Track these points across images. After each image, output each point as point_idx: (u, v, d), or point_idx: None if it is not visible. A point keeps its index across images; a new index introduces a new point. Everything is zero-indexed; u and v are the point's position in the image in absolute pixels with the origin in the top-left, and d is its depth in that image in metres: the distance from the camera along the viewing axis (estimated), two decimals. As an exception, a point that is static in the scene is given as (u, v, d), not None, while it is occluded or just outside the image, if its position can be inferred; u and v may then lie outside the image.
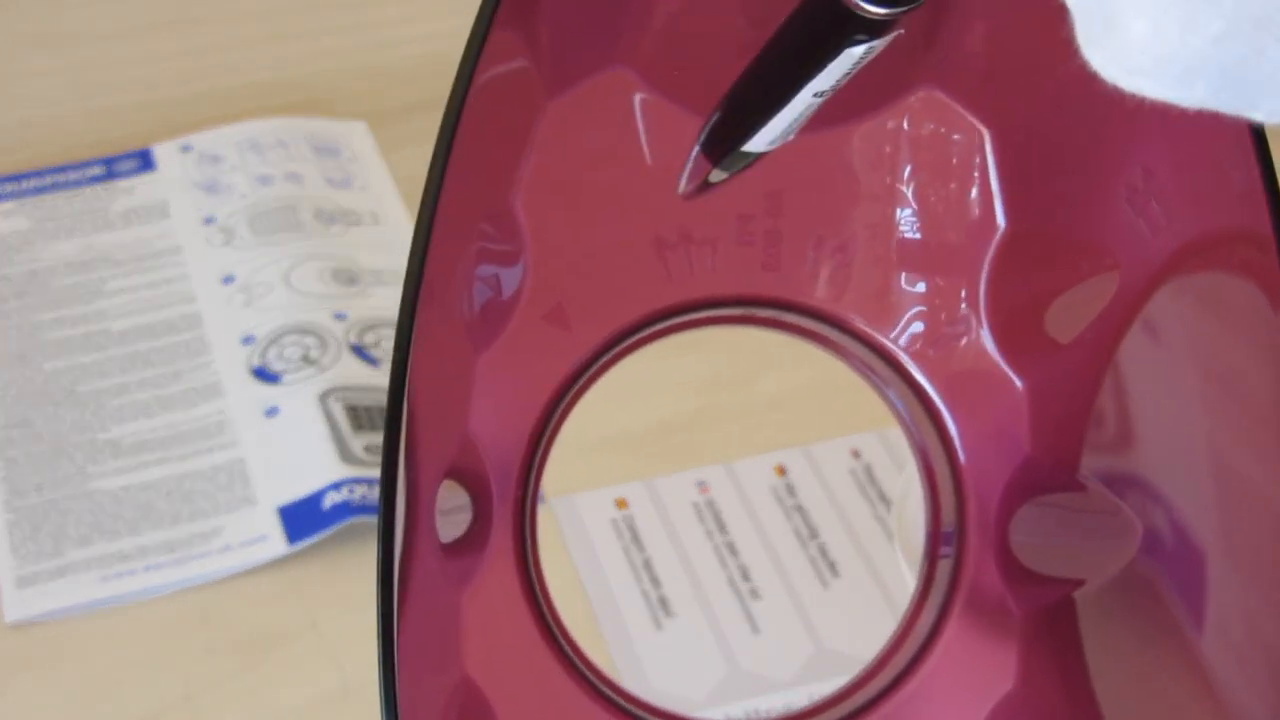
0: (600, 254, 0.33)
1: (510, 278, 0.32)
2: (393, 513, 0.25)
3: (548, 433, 0.33)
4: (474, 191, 0.29)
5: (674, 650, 0.46)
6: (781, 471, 0.51)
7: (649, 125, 0.33)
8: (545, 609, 0.33)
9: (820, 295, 0.35)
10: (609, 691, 0.33)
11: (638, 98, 0.32)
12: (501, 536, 0.32)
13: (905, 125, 0.34)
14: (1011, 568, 0.34)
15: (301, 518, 0.49)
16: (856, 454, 0.52)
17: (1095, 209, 0.32)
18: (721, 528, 0.50)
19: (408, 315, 0.25)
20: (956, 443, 0.35)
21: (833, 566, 0.48)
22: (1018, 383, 0.34)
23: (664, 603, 0.47)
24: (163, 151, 0.64)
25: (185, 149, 0.64)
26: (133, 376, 0.54)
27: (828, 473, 0.51)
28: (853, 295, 0.35)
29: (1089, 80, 0.30)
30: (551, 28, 0.30)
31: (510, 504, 0.33)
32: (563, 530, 0.49)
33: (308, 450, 0.51)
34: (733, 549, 0.49)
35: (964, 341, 0.35)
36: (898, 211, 0.35)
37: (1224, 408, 0.29)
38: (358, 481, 0.49)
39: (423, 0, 0.73)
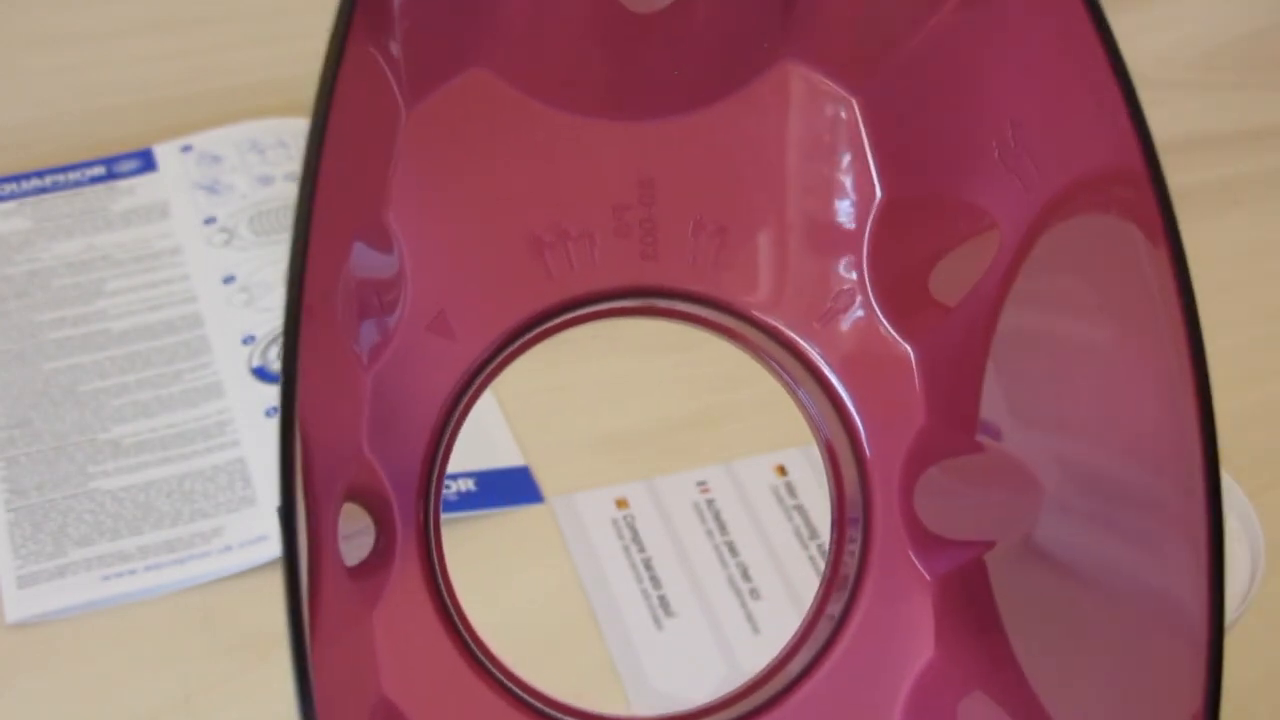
0: (477, 259, 0.33)
1: (390, 290, 0.32)
2: (294, 541, 0.25)
3: (444, 443, 0.33)
4: (346, 207, 0.28)
5: (674, 650, 0.46)
6: (782, 471, 0.51)
7: (511, 123, 0.32)
8: (459, 622, 0.32)
9: (703, 280, 0.34)
10: (531, 699, 0.33)
11: (496, 96, 0.32)
12: (407, 553, 0.32)
13: (771, 101, 0.34)
14: (919, 535, 0.34)
15: (302, 518, 0.49)
16: (857, 454, 0.52)
17: (968, 169, 0.32)
18: (722, 527, 0.50)
19: (291, 339, 0.25)
20: (856, 420, 0.34)
21: (833, 566, 0.48)
22: (909, 350, 0.34)
23: (664, 602, 0.47)
24: (163, 152, 0.64)
25: (186, 149, 0.64)
26: (133, 376, 0.54)
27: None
28: (736, 277, 0.34)
29: (950, 39, 0.31)
30: (404, 37, 0.29)
31: (414, 519, 0.32)
32: (563, 530, 0.49)
33: (308, 450, 0.51)
34: (733, 549, 0.49)
35: (853, 314, 0.34)
36: (773, 188, 0.34)
37: (1110, 350, 0.29)
38: (358, 481, 0.49)
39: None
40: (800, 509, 0.50)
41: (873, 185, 0.34)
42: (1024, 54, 0.30)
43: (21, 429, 0.52)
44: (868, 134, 0.34)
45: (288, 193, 0.61)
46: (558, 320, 0.34)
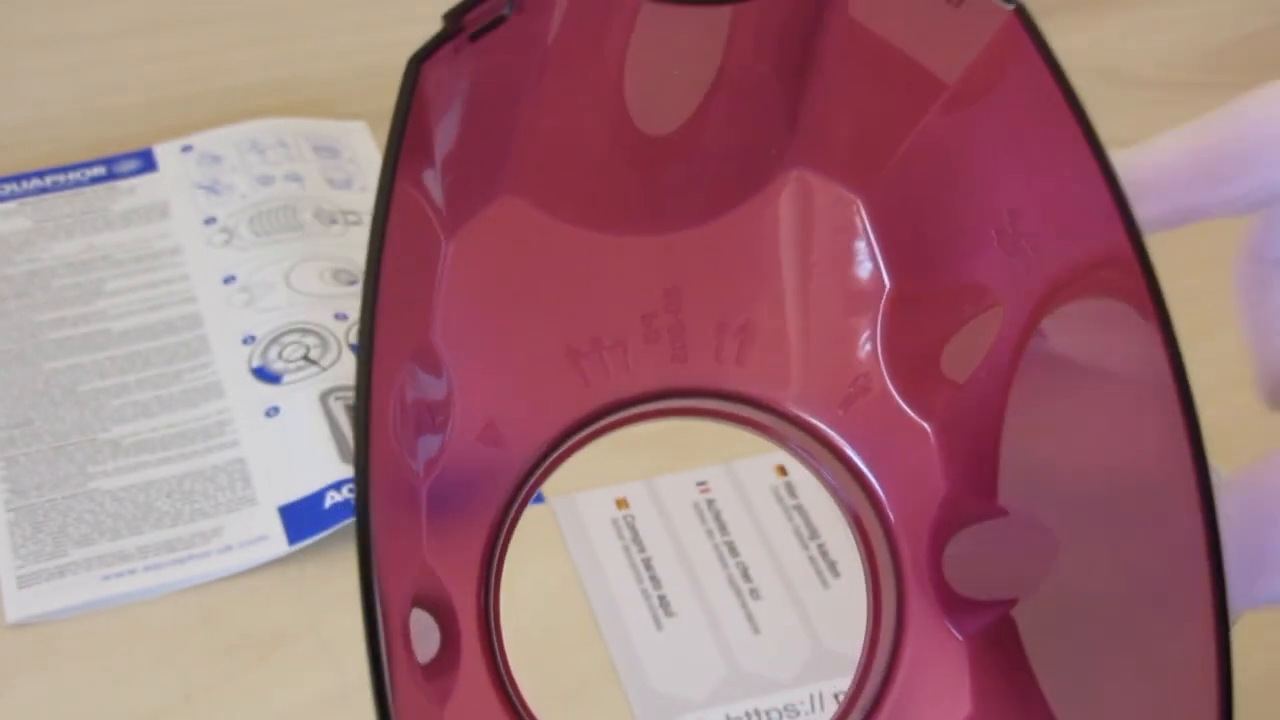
0: (519, 372, 0.35)
1: (441, 411, 0.34)
2: (378, 645, 0.26)
3: (499, 545, 0.34)
4: (399, 335, 0.30)
5: (674, 650, 0.46)
6: (782, 471, 0.51)
7: (542, 244, 0.34)
8: (523, 712, 0.34)
9: (730, 377, 0.36)
10: None
11: (527, 221, 0.34)
12: (471, 651, 0.34)
13: (781, 206, 0.36)
14: (949, 599, 0.36)
15: (302, 517, 0.49)
16: (857, 454, 0.52)
17: (969, 255, 0.34)
18: (722, 527, 0.50)
19: (362, 458, 0.26)
20: (882, 496, 0.36)
21: (833, 566, 0.48)
22: (926, 427, 0.36)
23: (664, 602, 0.47)
24: (163, 152, 0.64)
25: (186, 149, 0.64)
26: (133, 376, 0.54)
27: (828, 473, 0.51)
28: (761, 372, 0.36)
29: (941, 139, 0.33)
30: (442, 174, 0.31)
31: (475, 618, 0.34)
32: (563, 530, 0.49)
33: (308, 450, 0.51)
34: (733, 549, 0.49)
35: (872, 397, 0.36)
36: (789, 286, 0.36)
37: (1110, 404, 0.31)
38: (358, 481, 0.49)
39: (423, 0, 0.74)
40: (800, 509, 0.50)
41: (881, 277, 0.36)
42: (1013, 149, 0.32)
43: (21, 429, 0.52)
44: (873, 229, 0.36)
45: (288, 193, 0.61)
46: (599, 425, 0.36)
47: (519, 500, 0.35)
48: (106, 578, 0.48)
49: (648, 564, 0.48)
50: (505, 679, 0.34)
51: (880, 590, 0.36)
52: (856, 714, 0.36)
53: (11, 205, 0.62)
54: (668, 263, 0.35)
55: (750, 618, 0.47)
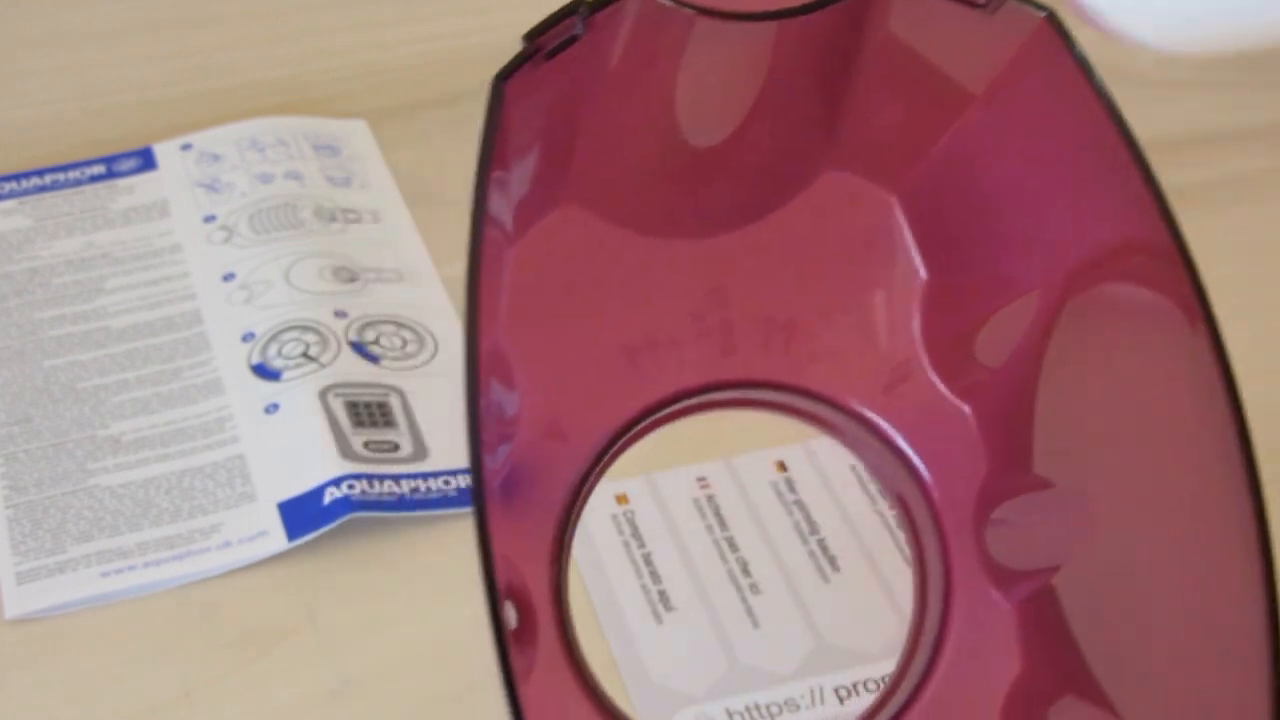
0: (581, 371, 0.37)
1: (514, 424, 0.36)
2: (504, 639, 0.28)
3: (568, 535, 0.36)
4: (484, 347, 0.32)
5: (674, 645, 0.46)
6: (782, 467, 0.51)
7: (598, 249, 0.36)
8: (598, 691, 0.36)
9: (778, 369, 0.38)
10: None
11: (584, 227, 0.36)
12: (547, 634, 0.36)
13: (821, 206, 0.38)
14: (994, 570, 0.38)
15: (301, 514, 0.49)
16: (857, 450, 0.52)
17: (1001, 245, 0.36)
18: (722, 523, 0.50)
19: (476, 454, 0.28)
20: (926, 476, 0.38)
21: (833, 561, 0.48)
22: (965, 409, 0.38)
23: (664, 597, 0.47)
24: (163, 150, 0.64)
25: (185, 148, 0.64)
26: (133, 373, 0.54)
27: (828, 469, 0.51)
28: (807, 362, 0.39)
29: (974, 137, 0.35)
30: (513, 186, 0.33)
31: (548, 601, 0.36)
32: (563, 526, 0.49)
33: (308, 446, 0.51)
34: (733, 544, 0.49)
35: (912, 383, 0.38)
36: (830, 281, 0.38)
37: (1140, 373, 0.33)
38: (357, 478, 0.49)
39: (422, 0, 0.74)
40: (800, 504, 0.50)
41: (917, 269, 0.38)
42: (1044, 145, 0.34)
43: (21, 426, 0.52)
44: (908, 225, 0.38)
45: (287, 191, 0.61)
46: (656, 417, 0.38)
47: (584, 489, 0.37)
48: (106, 574, 0.48)
49: (648, 559, 0.48)
50: (579, 657, 0.36)
51: (926, 565, 0.38)
52: (910, 678, 0.38)
53: (11, 204, 0.62)
54: (715, 264, 0.37)
55: (750, 612, 0.47)
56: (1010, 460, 0.37)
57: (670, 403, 0.38)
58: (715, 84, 0.35)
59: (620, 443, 0.38)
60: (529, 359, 0.36)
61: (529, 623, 0.35)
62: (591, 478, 0.37)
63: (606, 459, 0.37)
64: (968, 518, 0.38)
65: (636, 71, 0.34)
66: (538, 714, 0.32)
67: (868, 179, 0.38)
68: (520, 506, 0.36)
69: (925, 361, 0.38)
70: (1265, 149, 0.68)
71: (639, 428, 0.38)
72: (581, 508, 0.37)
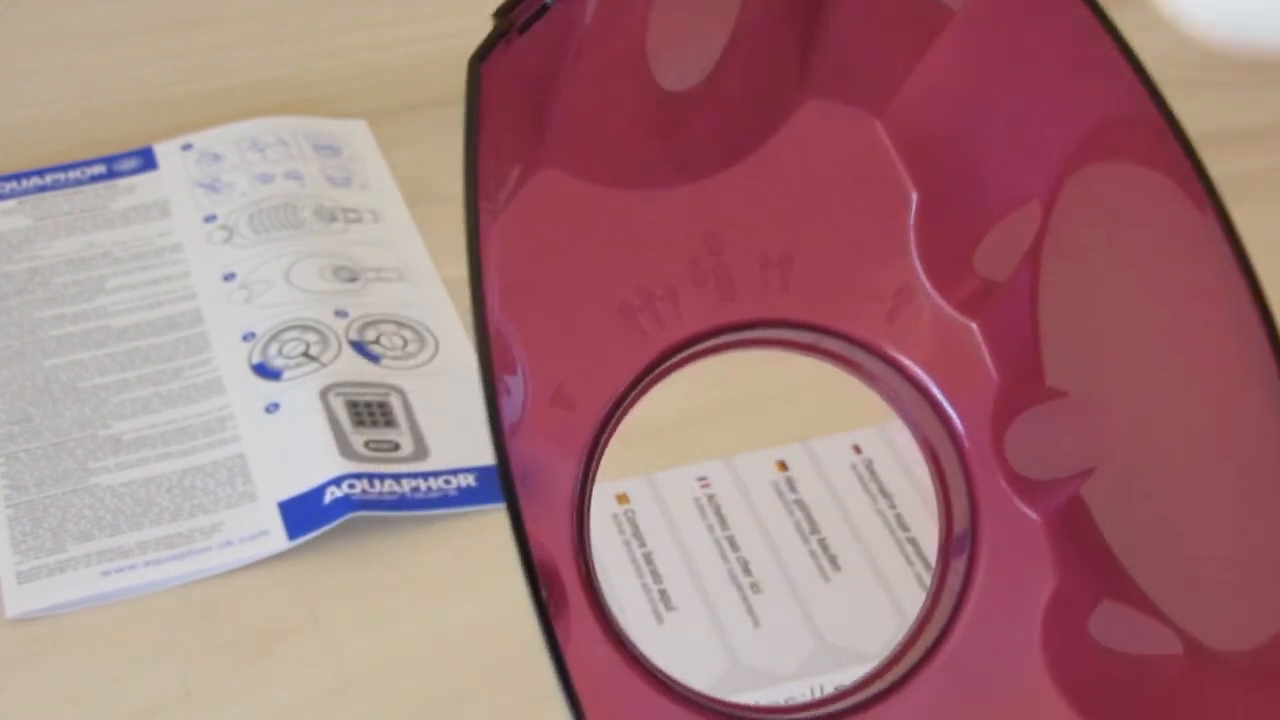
0: (580, 334, 0.37)
1: (515, 383, 0.36)
2: (547, 617, 0.28)
3: (585, 501, 0.36)
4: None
5: (675, 644, 0.46)
6: (783, 467, 0.51)
7: (583, 210, 0.36)
8: (634, 651, 0.36)
9: (779, 307, 0.38)
10: (714, 705, 0.37)
11: (566, 189, 0.35)
12: (576, 599, 0.36)
13: (804, 137, 0.37)
14: (1018, 483, 0.38)
15: (302, 513, 0.49)
16: (858, 449, 0.52)
17: (989, 156, 0.36)
18: (723, 522, 0.50)
19: (500, 441, 0.28)
20: (937, 394, 0.38)
21: (834, 561, 0.48)
22: (972, 326, 0.38)
23: (665, 597, 0.47)
24: (163, 150, 0.64)
25: (186, 148, 0.64)
26: (133, 373, 0.54)
27: (829, 468, 0.51)
28: (808, 298, 0.38)
29: (954, 55, 0.34)
30: (492, 163, 0.33)
31: (573, 568, 0.36)
32: (563, 525, 0.49)
33: (308, 446, 0.51)
34: (734, 543, 0.49)
35: (914, 306, 0.38)
36: (822, 211, 0.38)
37: (1148, 269, 0.33)
38: (358, 477, 0.49)
39: (423, 0, 0.74)
40: (800, 504, 0.50)
41: (907, 189, 0.38)
42: (1022, 52, 0.34)
43: (22, 425, 0.52)
44: (893, 146, 0.38)
45: (288, 190, 0.61)
46: (660, 369, 0.38)
47: (597, 453, 0.37)
48: (106, 573, 0.48)
49: (648, 558, 0.48)
50: (614, 625, 0.36)
51: (948, 486, 0.38)
52: (946, 600, 0.38)
53: (12, 204, 0.62)
54: (703, 210, 0.37)
55: (751, 612, 0.47)
56: (1021, 371, 0.37)
57: (674, 353, 0.38)
58: (687, 23, 0.35)
59: (627, 401, 0.37)
60: (526, 333, 0.35)
61: (558, 595, 0.35)
62: (604, 439, 0.37)
63: (616, 418, 0.37)
64: (986, 436, 0.38)
65: (608, 26, 0.34)
66: (582, 681, 0.32)
67: (850, 104, 0.37)
68: (534, 478, 0.36)
69: (926, 282, 0.38)
70: (1265, 149, 0.68)
71: (646, 381, 0.38)
72: (595, 473, 0.37)
